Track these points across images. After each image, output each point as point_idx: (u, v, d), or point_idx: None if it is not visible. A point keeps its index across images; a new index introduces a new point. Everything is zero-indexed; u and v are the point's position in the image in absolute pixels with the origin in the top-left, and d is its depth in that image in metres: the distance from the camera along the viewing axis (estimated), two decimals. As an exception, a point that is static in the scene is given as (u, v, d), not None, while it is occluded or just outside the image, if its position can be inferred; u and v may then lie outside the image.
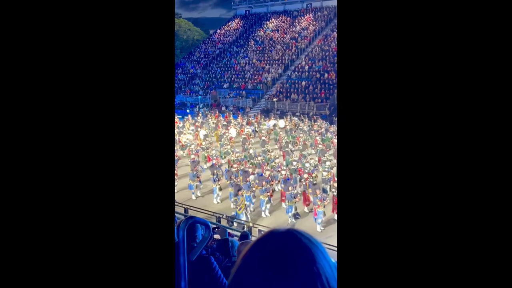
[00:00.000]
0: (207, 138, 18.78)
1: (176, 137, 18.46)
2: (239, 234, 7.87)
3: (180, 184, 13.85)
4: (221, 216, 11.20)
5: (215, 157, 15.28)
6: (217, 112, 26.51)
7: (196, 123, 22.24)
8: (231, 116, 24.13)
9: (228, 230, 7.66)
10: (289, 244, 0.72)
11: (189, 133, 20.12)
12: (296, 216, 11.12)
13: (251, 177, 12.40)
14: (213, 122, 22.62)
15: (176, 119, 22.52)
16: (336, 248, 7.74)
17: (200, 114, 25.51)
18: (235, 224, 10.87)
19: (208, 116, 24.33)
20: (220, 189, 12.90)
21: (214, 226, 7.86)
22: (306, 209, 11.66)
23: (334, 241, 9.13)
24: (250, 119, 23.70)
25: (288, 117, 23.43)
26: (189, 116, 24.79)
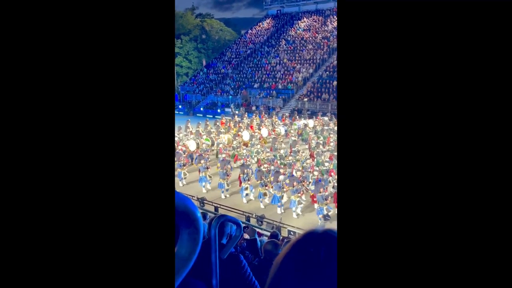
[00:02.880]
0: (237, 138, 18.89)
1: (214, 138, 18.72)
2: (268, 233, 7.83)
3: (212, 182, 14.04)
4: (250, 215, 11.22)
5: (243, 157, 15.34)
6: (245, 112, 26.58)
7: (240, 123, 22.32)
8: (257, 116, 24.15)
9: (257, 230, 7.65)
10: (328, 246, 0.71)
11: (229, 133, 20.17)
12: (326, 217, 10.94)
13: (281, 177, 12.33)
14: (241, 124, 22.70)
15: (224, 119, 22.94)
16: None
17: (236, 114, 25.61)
18: (264, 224, 10.84)
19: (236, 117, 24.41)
20: (247, 189, 12.93)
21: (244, 225, 7.87)
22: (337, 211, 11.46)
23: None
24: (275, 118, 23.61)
25: (318, 116, 23.17)
26: (223, 116, 25.06)
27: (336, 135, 18.58)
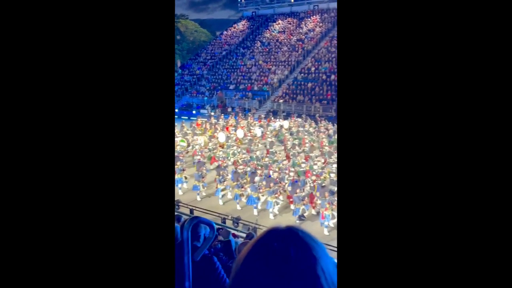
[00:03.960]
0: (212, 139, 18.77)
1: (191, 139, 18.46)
2: (244, 235, 7.80)
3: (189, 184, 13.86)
4: (226, 217, 11.14)
5: (221, 159, 15.25)
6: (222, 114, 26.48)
7: (216, 125, 22.08)
8: (233, 117, 24.08)
9: (233, 231, 7.60)
10: (291, 242, 0.71)
11: (204, 135, 19.93)
12: (301, 217, 11.01)
13: (257, 179, 12.32)
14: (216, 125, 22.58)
15: (200, 121, 22.64)
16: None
17: (212, 115, 25.36)
18: (240, 225, 10.79)
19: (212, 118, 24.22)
20: (223, 189, 12.85)
21: (218, 227, 7.80)
22: (313, 212, 11.55)
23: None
24: (252, 120, 23.63)
25: (293, 118, 23.37)
26: (198, 118, 24.80)
27: (310, 136, 18.77)
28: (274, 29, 37.42)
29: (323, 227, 10.39)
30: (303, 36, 34.24)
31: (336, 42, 30.83)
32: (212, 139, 18.84)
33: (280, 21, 38.13)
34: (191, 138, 18.97)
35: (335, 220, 10.48)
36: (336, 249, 7.81)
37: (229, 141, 18.40)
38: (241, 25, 41.21)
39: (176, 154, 15.43)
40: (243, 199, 12.44)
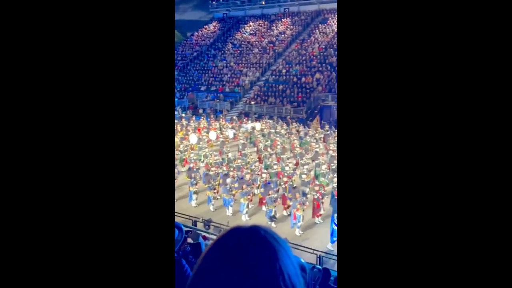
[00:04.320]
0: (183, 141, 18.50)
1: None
2: (215, 237, 7.68)
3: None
4: (197, 219, 10.99)
5: (193, 161, 15.05)
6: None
7: (188, 126, 21.73)
8: (205, 119, 23.88)
9: (203, 234, 7.49)
10: (251, 241, 0.71)
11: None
12: (272, 218, 11.03)
13: (228, 180, 12.25)
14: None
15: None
16: (313, 251, 7.75)
17: (184, 117, 24.99)
18: (211, 227, 10.67)
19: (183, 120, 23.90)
20: (196, 192, 12.67)
21: (187, 229, 7.65)
22: (285, 213, 11.60)
23: (310, 243, 9.11)
24: (224, 122, 23.54)
25: (264, 120, 23.46)
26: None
27: (282, 138, 18.89)
28: (245, 31, 37.48)
29: (295, 228, 10.44)
30: (274, 39, 34.49)
31: (306, 44, 31.26)
32: (183, 141, 18.57)
33: (251, 23, 38.25)
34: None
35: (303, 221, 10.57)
36: (313, 251, 7.87)
37: (201, 143, 18.20)
38: (212, 27, 41.02)
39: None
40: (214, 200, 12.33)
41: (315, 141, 18.31)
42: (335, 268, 7.90)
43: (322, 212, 11.23)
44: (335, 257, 8.39)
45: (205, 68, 34.78)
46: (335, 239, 9.29)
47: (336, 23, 31.24)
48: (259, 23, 37.76)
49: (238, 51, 35.20)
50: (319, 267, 6.40)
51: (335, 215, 9.38)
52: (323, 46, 30.03)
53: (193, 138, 18.36)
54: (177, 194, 13.29)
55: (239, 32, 37.89)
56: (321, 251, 7.87)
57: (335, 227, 9.23)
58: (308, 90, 26.55)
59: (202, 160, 15.91)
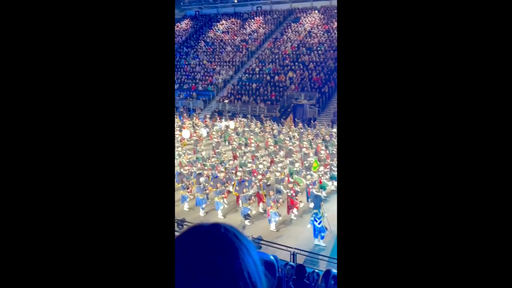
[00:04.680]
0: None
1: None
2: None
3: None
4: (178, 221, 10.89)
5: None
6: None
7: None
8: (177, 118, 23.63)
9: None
10: (210, 239, 0.70)
11: None
12: (247, 216, 11.10)
13: (202, 179, 12.20)
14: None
15: None
16: (288, 249, 7.85)
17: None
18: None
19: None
20: (172, 192, 12.53)
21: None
22: (261, 209, 11.69)
23: (285, 240, 9.24)
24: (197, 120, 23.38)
25: (238, 118, 23.46)
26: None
27: (256, 136, 18.97)
28: (218, 29, 37.25)
29: (270, 225, 10.56)
30: (247, 37, 34.48)
31: (279, 43, 31.45)
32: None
33: (223, 21, 38.04)
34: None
35: (280, 217, 10.71)
36: (288, 248, 7.96)
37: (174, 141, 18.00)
38: (184, 24, 40.47)
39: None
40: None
41: (288, 139, 18.52)
42: (311, 264, 8.07)
43: (296, 209, 11.41)
44: (308, 254, 8.56)
45: (178, 66, 34.31)
46: (323, 234, 9.57)
47: (308, 22, 31.62)
48: (232, 21, 37.62)
49: (211, 49, 34.96)
50: (292, 264, 6.45)
51: (316, 211, 9.60)
52: (296, 45, 30.33)
53: (185, 133, 18.21)
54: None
55: (211, 30, 37.61)
56: (295, 248, 8.01)
57: (318, 225, 9.46)
58: (281, 89, 26.75)
59: (175, 158, 15.75)
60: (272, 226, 10.55)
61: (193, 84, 31.25)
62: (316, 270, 3.77)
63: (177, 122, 22.43)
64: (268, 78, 28.37)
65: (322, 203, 9.93)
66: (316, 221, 9.52)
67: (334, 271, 3.79)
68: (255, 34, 34.45)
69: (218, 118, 24.01)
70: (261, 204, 11.71)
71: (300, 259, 8.08)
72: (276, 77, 28.00)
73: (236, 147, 16.89)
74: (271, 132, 19.93)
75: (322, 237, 9.60)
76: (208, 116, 25.53)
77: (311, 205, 11.27)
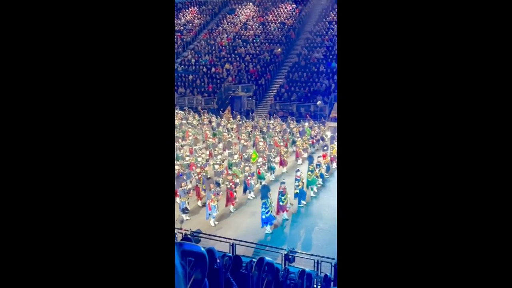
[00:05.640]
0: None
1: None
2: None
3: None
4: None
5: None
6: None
7: None
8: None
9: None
10: None
11: None
12: (185, 211, 10.94)
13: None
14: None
15: None
16: (229, 241, 7.90)
17: None
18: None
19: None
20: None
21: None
22: (199, 203, 11.58)
23: (224, 232, 9.28)
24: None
25: (175, 111, 22.91)
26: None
27: (194, 129, 18.68)
28: (151, 18, 35.87)
29: (211, 218, 10.51)
30: (182, 27, 33.65)
31: (214, 34, 31.13)
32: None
33: (157, 10, 36.70)
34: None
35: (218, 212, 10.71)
36: (227, 240, 7.98)
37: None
38: (114, 12, 38.40)
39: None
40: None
41: (227, 131, 18.49)
42: (251, 254, 8.19)
43: (233, 205, 11.48)
44: (247, 244, 8.69)
45: (108, 57, 32.50)
46: (273, 221, 10.07)
47: (244, 14, 31.65)
48: (166, 11, 36.41)
49: (144, 39, 33.60)
50: (230, 254, 6.53)
51: (265, 200, 9.78)
52: (232, 37, 30.24)
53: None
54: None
55: (144, 19, 36.11)
56: (234, 240, 8.07)
57: (266, 214, 9.77)
58: (218, 81, 26.57)
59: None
60: (212, 219, 10.51)
61: (126, 76, 29.88)
62: (254, 260, 3.83)
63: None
64: (205, 69, 28.01)
65: (270, 193, 10.10)
66: (265, 210, 9.76)
67: (268, 258, 3.89)
68: (190, 24, 33.72)
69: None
70: (199, 197, 11.60)
71: (248, 252, 8.15)
72: (213, 69, 27.74)
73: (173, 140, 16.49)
74: (209, 125, 19.75)
75: (271, 224, 9.88)
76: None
77: (251, 195, 11.38)
